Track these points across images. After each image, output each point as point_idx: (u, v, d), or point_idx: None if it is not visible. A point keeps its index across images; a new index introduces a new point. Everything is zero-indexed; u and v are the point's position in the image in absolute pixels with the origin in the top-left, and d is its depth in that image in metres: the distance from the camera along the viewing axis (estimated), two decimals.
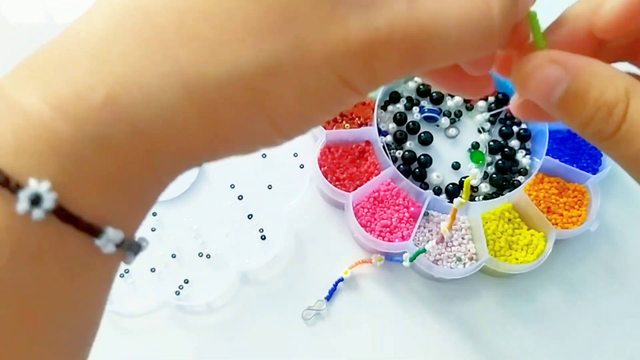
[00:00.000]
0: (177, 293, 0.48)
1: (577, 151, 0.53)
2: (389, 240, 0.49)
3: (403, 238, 0.48)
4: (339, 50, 0.17)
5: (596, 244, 0.51)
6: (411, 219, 0.50)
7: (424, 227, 0.50)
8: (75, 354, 0.19)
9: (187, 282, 0.48)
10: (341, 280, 0.49)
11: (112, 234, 0.17)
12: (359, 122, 0.53)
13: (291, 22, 0.17)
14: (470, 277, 0.49)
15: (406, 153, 0.53)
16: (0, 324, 0.15)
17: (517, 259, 0.48)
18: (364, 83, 0.18)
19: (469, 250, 0.49)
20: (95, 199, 0.16)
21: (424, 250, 0.47)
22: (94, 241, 0.17)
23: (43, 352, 0.17)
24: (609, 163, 0.51)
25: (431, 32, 0.18)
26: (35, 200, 0.15)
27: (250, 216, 0.50)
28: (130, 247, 0.18)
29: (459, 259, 0.48)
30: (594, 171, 0.52)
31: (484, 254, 0.47)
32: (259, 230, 0.50)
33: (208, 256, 0.49)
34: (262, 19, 0.17)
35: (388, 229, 0.49)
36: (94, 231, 0.16)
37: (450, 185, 0.52)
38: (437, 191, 0.52)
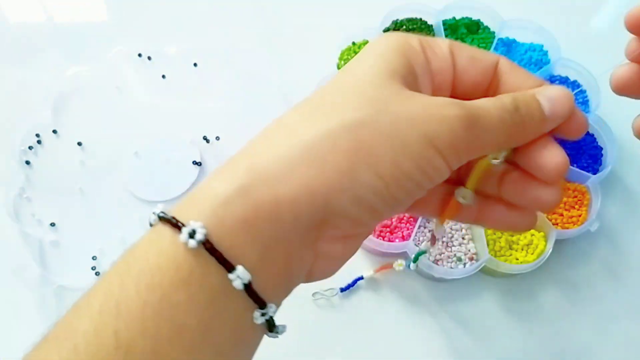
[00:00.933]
0: None
1: (577, 151, 0.53)
2: (389, 240, 0.49)
3: (403, 238, 0.48)
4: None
5: (596, 244, 0.51)
6: (411, 219, 0.50)
7: (424, 227, 0.50)
8: None
9: None
10: (361, 278, 0.49)
11: (242, 272, 0.21)
12: None
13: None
14: (471, 277, 0.49)
15: None
16: (158, 330, 0.20)
17: (517, 259, 0.48)
18: (449, 149, 0.23)
19: (469, 250, 0.49)
20: (234, 240, 0.21)
21: (424, 252, 0.47)
22: (228, 276, 0.21)
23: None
24: (609, 163, 0.51)
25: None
26: (192, 234, 0.20)
27: None
28: (261, 304, 0.22)
29: (459, 259, 0.48)
30: (594, 171, 0.52)
31: (484, 254, 0.47)
32: None
33: None
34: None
35: (388, 229, 0.49)
36: (228, 265, 0.21)
37: None
38: None
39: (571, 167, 0.51)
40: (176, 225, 0.20)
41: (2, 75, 0.59)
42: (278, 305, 0.23)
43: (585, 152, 0.53)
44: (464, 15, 0.58)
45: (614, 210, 0.52)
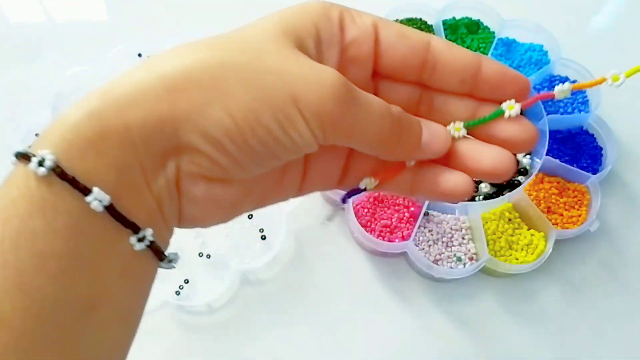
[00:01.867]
0: (178, 293, 0.48)
1: (577, 151, 0.53)
2: (389, 240, 0.49)
3: (403, 238, 0.48)
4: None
5: (596, 244, 0.51)
6: (411, 219, 0.50)
7: (424, 227, 0.50)
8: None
9: (187, 282, 0.48)
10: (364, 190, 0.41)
11: (98, 194, 0.20)
12: None
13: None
14: (470, 277, 0.49)
15: None
16: (19, 261, 0.20)
17: (517, 259, 0.48)
18: (313, 116, 0.22)
19: (469, 250, 0.49)
20: (86, 165, 0.20)
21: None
22: (86, 199, 0.20)
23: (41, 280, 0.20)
24: (608, 163, 0.51)
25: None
26: (41, 162, 0.20)
27: (250, 216, 0.50)
28: (134, 227, 0.21)
29: (459, 259, 0.48)
30: (594, 171, 0.52)
31: (484, 254, 0.47)
32: (259, 230, 0.50)
33: (208, 256, 0.49)
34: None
35: (388, 229, 0.49)
36: (83, 188, 0.20)
37: None
38: None
39: (571, 167, 0.51)
40: (26, 157, 0.20)
41: (2, 74, 0.59)
42: (164, 234, 0.23)
43: (585, 152, 0.53)
44: (464, 15, 0.58)
45: (614, 210, 0.52)
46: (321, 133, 0.23)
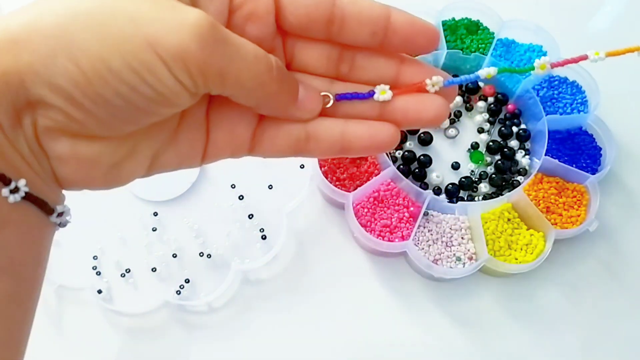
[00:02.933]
0: (178, 293, 0.48)
1: (576, 151, 0.53)
2: (389, 240, 0.49)
3: (403, 238, 0.49)
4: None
5: (595, 244, 0.51)
6: (411, 219, 0.50)
7: (424, 227, 0.50)
8: None
9: (187, 282, 0.48)
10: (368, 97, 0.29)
11: None
12: None
13: None
14: (470, 277, 0.50)
15: (406, 153, 0.53)
16: None
17: (516, 259, 0.48)
18: (177, 62, 0.20)
19: (468, 250, 0.49)
20: None
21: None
22: None
23: None
24: (608, 163, 0.51)
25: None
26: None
27: (250, 216, 0.50)
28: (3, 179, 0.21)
29: (459, 259, 0.48)
30: (593, 171, 0.52)
31: (483, 253, 0.48)
32: (260, 230, 0.50)
33: (209, 256, 0.49)
34: None
35: (388, 229, 0.49)
36: None
37: (450, 185, 0.52)
38: (437, 191, 0.52)
39: (570, 167, 0.51)
40: None
41: None
42: (46, 191, 0.22)
43: (584, 152, 0.53)
44: (464, 16, 0.58)
45: (613, 210, 0.53)
46: (189, 79, 0.21)
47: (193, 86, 0.21)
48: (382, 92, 0.24)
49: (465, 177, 0.53)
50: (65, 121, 0.21)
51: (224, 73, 0.21)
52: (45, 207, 0.22)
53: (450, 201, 0.51)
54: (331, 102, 0.25)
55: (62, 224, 0.24)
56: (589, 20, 0.63)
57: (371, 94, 0.25)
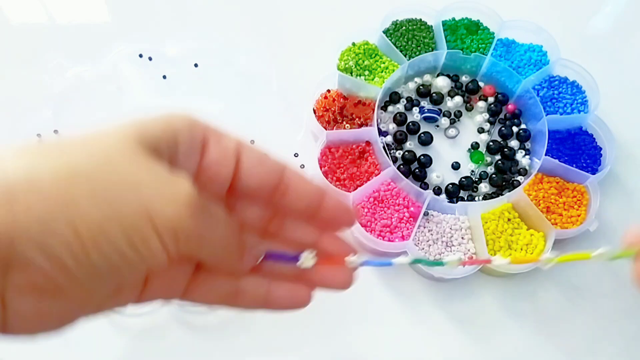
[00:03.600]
0: None
1: (576, 151, 0.53)
2: (389, 240, 0.49)
3: (403, 238, 0.49)
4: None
5: (595, 244, 0.51)
6: (411, 219, 0.50)
7: (424, 227, 0.50)
8: None
9: None
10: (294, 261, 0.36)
11: None
12: (359, 122, 0.53)
13: None
14: (470, 277, 0.49)
15: (406, 153, 0.53)
16: None
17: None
18: (169, 233, 0.22)
19: (468, 250, 0.49)
20: None
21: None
22: None
23: None
24: (608, 163, 0.51)
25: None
26: None
27: None
28: None
29: (459, 259, 0.48)
30: (593, 171, 0.52)
31: (483, 253, 0.48)
32: None
33: None
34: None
35: (388, 229, 0.49)
36: None
37: (450, 185, 0.52)
38: (437, 191, 0.52)
39: (570, 167, 0.51)
40: None
41: (3, 75, 0.59)
42: None
43: (584, 152, 0.53)
44: (464, 16, 0.58)
45: (613, 210, 0.53)
46: (174, 246, 0.22)
47: (175, 252, 0.22)
48: (307, 259, 0.28)
49: (466, 177, 0.53)
50: (43, 282, 0.21)
51: (203, 239, 0.23)
52: None
53: (451, 201, 0.51)
54: (261, 258, 0.28)
55: None
56: (588, 21, 0.63)
57: (296, 259, 0.28)
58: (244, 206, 0.29)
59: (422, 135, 0.54)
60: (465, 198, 0.52)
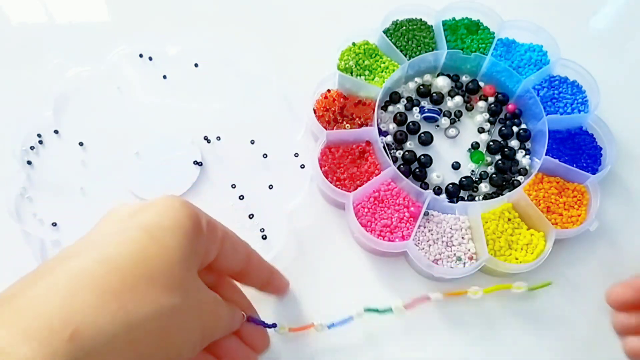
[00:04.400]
0: None
1: (576, 151, 0.53)
2: (389, 240, 0.49)
3: (403, 238, 0.49)
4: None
5: (596, 244, 0.51)
6: (411, 219, 0.50)
7: (424, 227, 0.50)
8: None
9: None
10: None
11: None
12: (359, 122, 0.53)
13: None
14: (470, 277, 0.50)
15: (406, 153, 0.53)
16: None
17: (516, 259, 0.48)
18: (207, 339, 0.35)
19: (468, 250, 0.49)
20: None
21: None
22: None
23: None
24: (608, 163, 0.51)
25: None
26: None
27: (251, 216, 0.50)
28: None
29: (459, 259, 0.48)
30: (594, 171, 0.52)
31: (483, 253, 0.48)
32: (260, 230, 0.50)
33: None
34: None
35: (388, 229, 0.49)
36: None
37: (451, 185, 0.52)
38: (437, 191, 0.52)
39: (570, 167, 0.51)
40: None
41: (3, 75, 0.59)
42: None
43: (585, 152, 0.53)
44: (464, 16, 0.58)
45: (614, 210, 0.53)
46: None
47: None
48: (283, 327, 0.44)
49: (466, 177, 0.53)
50: None
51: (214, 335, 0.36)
52: None
53: (451, 201, 0.51)
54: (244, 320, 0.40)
55: None
56: (588, 21, 0.63)
57: (275, 325, 0.43)
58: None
59: (422, 135, 0.54)
60: (466, 198, 0.52)
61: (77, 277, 0.28)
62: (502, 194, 0.52)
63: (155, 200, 0.34)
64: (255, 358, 0.41)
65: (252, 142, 0.53)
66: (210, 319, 0.33)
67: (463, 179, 0.52)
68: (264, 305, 0.47)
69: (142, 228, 0.31)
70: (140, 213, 0.33)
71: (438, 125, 0.56)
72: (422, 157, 0.53)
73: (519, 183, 0.52)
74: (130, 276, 0.29)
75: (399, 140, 0.54)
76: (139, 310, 0.28)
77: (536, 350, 0.48)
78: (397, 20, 0.58)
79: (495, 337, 0.48)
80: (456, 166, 0.54)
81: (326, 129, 0.52)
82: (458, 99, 0.56)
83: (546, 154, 0.51)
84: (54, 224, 0.50)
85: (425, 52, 0.56)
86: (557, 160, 0.51)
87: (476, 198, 0.52)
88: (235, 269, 0.39)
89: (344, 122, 0.53)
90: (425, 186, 0.52)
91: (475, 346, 0.48)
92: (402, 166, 0.52)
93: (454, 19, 0.58)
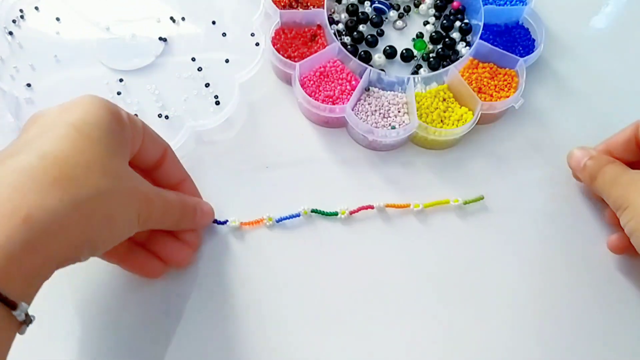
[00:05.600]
0: None
1: (512, 43, 0.57)
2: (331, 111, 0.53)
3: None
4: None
5: (523, 124, 0.56)
6: (352, 92, 0.54)
7: (364, 100, 0.54)
8: None
9: None
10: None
11: (24, 307, 0.30)
12: (313, 9, 0.58)
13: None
14: (405, 148, 0.54)
15: (355, 33, 0.57)
16: None
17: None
18: (145, 222, 0.40)
19: (403, 121, 0.53)
20: (15, 284, 0.30)
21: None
22: (12, 312, 0.30)
23: None
24: (537, 46, 0.55)
25: None
26: None
27: (207, 85, 0.55)
28: (29, 319, 0.32)
29: (393, 127, 0.53)
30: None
31: (415, 121, 0.52)
32: (214, 97, 0.55)
33: (167, 117, 0.54)
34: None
35: (331, 100, 0.54)
36: (13, 305, 0.30)
37: (405, 50, 0.57)
38: (390, 55, 0.57)
39: (502, 51, 0.55)
40: None
41: None
42: (29, 303, 0.31)
43: (519, 44, 0.57)
44: None
45: (542, 93, 0.57)
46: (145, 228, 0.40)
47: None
48: (234, 222, 0.50)
49: (406, 49, 0.57)
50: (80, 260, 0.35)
51: (164, 219, 0.43)
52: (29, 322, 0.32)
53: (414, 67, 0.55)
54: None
55: (28, 322, 0.32)
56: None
57: (226, 222, 0.51)
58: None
59: (375, 18, 0.59)
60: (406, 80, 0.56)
61: (20, 171, 0.31)
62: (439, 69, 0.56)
63: (76, 100, 0.37)
64: (190, 255, 0.47)
65: (214, 22, 0.58)
66: (144, 204, 0.38)
67: (404, 51, 0.57)
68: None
69: (70, 125, 0.35)
70: (65, 113, 0.36)
71: (387, 18, 0.60)
72: (370, 36, 0.57)
73: (457, 53, 0.57)
74: (68, 166, 0.33)
75: (350, 28, 0.58)
76: (81, 192, 0.32)
77: (465, 207, 0.52)
78: None
79: (424, 195, 0.52)
80: (401, 53, 0.58)
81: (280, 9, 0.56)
82: None
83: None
84: (29, 85, 0.55)
85: None
86: (490, 45, 0.55)
87: (416, 79, 0.56)
88: (155, 158, 0.44)
89: (299, 8, 0.58)
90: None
91: (408, 199, 0.52)
92: (349, 46, 0.57)
93: None
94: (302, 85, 0.54)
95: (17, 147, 0.34)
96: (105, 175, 0.34)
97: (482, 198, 0.52)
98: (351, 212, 0.51)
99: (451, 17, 0.60)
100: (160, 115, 0.54)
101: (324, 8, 0.57)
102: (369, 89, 0.55)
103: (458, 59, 0.57)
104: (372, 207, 0.51)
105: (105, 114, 0.37)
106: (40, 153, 0.33)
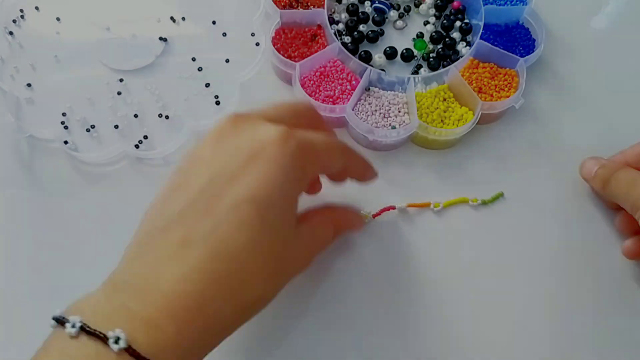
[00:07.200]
0: (137, 147, 0.53)
1: (512, 43, 0.57)
2: (331, 110, 0.53)
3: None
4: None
5: (522, 121, 0.56)
6: (352, 92, 0.54)
7: (365, 100, 0.54)
8: None
9: (146, 138, 0.53)
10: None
11: None
12: (313, 9, 0.58)
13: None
14: (406, 148, 0.54)
15: (355, 33, 0.57)
16: None
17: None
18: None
19: (403, 121, 0.54)
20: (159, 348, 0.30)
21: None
22: None
23: None
24: (537, 46, 0.55)
25: None
26: (116, 340, 0.28)
27: (207, 85, 0.55)
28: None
29: (394, 127, 0.53)
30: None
31: (416, 121, 0.52)
32: (214, 97, 0.55)
33: (167, 117, 0.54)
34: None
35: (331, 99, 0.54)
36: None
37: (405, 50, 0.57)
38: (390, 55, 0.57)
39: (503, 51, 0.55)
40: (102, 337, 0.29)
41: None
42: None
43: (520, 44, 0.57)
44: None
45: (542, 94, 0.57)
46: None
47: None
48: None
49: (406, 49, 0.57)
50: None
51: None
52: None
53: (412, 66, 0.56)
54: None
55: None
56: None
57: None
58: None
59: (376, 16, 0.59)
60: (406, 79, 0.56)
61: (198, 270, 0.31)
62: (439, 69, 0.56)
63: (257, 154, 0.34)
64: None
65: (214, 22, 0.58)
66: (300, 268, 0.40)
67: (404, 51, 0.57)
68: None
69: (252, 203, 0.33)
70: (243, 177, 0.33)
71: (387, 17, 0.60)
72: (370, 32, 0.57)
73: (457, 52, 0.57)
74: (245, 272, 0.33)
75: (350, 28, 0.58)
76: (249, 299, 0.34)
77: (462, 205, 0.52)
78: None
79: (425, 197, 0.52)
80: (402, 53, 0.58)
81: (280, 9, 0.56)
82: None
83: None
84: (29, 85, 0.55)
85: None
86: (490, 45, 0.55)
87: (416, 79, 0.56)
88: (339, 168, 0.42)
89: (299, 8, 0.58)
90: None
91: (408, 199, 0.52)
92: (350, 44, 0.57)
93: None
94: (302, 85, 0.54)
95: (194, 226, 0.33)
96: (269, 281, 0.35)
97: (501, 194, 0.52)
98: (374, 215, 0.51)
99: (451, 17, 0.60)
100: (160, 115, 0.54)
101: (324, 8, 0.57)
102: (369, 89, 0.55)
103: (458, 58, 0.57)
104: (393, 208, 0.52)
105: (293, 180, 0.35)
106: (219, 250, 0.32)
